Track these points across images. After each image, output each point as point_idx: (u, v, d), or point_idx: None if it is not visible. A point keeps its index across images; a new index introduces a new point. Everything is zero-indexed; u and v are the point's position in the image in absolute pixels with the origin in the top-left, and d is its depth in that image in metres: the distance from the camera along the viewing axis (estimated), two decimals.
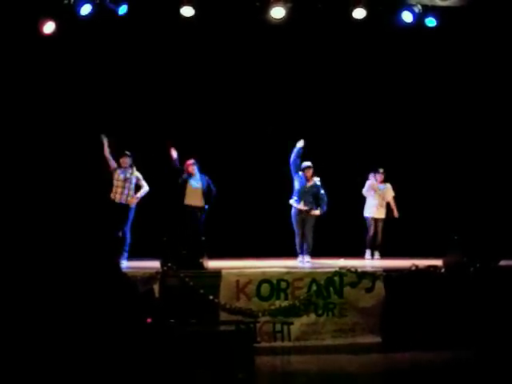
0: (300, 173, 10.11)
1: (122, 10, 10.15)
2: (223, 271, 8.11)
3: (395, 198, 11.22)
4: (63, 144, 11.07)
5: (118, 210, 9.91)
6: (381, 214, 11.11)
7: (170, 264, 7.98)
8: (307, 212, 10.05)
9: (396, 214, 11.13)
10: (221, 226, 11.30)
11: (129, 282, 4.73)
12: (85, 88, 11.26)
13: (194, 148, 10.67)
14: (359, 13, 10.42)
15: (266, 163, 11.93)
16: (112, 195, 9.99)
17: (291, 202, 10.13)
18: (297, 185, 10.12)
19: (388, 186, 11.21)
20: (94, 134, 10.20)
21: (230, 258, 9.88)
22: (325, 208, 10.13)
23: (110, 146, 10.07)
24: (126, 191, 10.00)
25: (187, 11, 10.30)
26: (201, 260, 8.30)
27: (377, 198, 11.09)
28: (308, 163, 10.16)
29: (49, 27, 10.01)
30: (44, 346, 4.42)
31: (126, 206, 9.97)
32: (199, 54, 11.59)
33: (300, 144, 10.08)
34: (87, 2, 9.91)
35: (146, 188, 10.16)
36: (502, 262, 8.57)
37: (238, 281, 8.02)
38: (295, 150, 10.07)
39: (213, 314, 7.78)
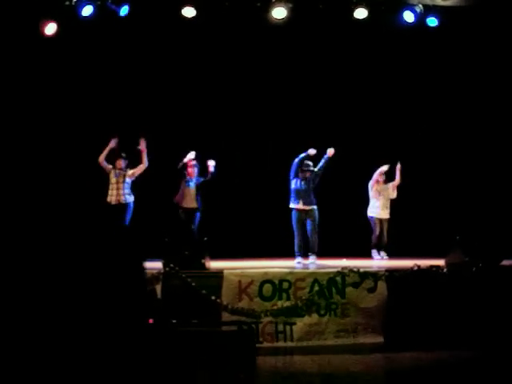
0: (299, 173, 10.07)
1: (124, 10, 10.18)
2: (225, 271, 8.10)
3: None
4: (65, 145, 11.08)
5: (114, 212, 9.93)
6: (385, 214, 11.09)
7: (172, 264, 7.98)
8: (306, 212, 10.03)
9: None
10: (222, 226, 11.32)
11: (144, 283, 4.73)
12: (87, 89, 11.28)
13: (196, 148, 10.66)
14: (361, 13, 10.44)
15: (268, 164, 11.94)
16: (108, 198, 10.05)
17: (291, 205, 10.09)
18: (293, 185, 10.10)
19: (389, 185, 11.18)
20: (95, 135, 10.21)
21: (232, 259, 9.88)
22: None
23: (111, 151, 10.08)
24: (120, 192, 10.01)
25: (188, 12, 10.33)
26: (203, 260, 8.29)
27: (381, 199, 11.08)
28: (309, 165, 10.10)
29: (50, 28, 10.05)
30: (44, 345, 4.42)
31: (122, 207, 9.97)
32: (201, 54, 11.60)
33: (311, 152, 10.03)
34: (89, 3, 9.95)
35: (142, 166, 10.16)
36: (505, 262, 8.56)
37: (240, 281, 8.02)
38: (302, 156, 10.03)
39: (215, 315, 7.78)
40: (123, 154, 10.15)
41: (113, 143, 10.01)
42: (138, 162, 10.21)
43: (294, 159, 10.14)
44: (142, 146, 10.04)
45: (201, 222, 10.50)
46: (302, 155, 10.03)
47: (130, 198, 10.13)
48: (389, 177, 11.20)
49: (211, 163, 10.39)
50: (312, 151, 10.05)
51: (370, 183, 11.11)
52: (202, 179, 10.46)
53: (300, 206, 10.02)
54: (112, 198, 10.02)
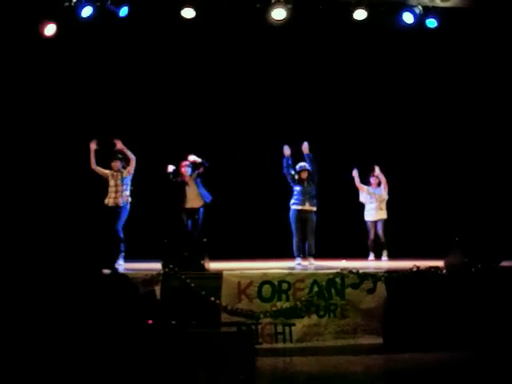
0: (296, 177, 10.07)
1: (123, 11, 10.18)
2: (224, 272, 8.11)
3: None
4: (63, 147, 11.08)
5: (109, 213, 9.93)
6: (380, 215, 11.10)
7: (171, 266, 7.98)
8: (306, 212, 10.01)
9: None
10: (222, 227, 11.32)
11: (129, 284, 4.74)
12: (86, 90, 11.28)
13: (195, 150, 10.67)
14: (360, 14, 10.45)
15: (267, 164, 11.95)
16: (106, 200, 10.04)
17: (293, 206, 10.07)
18: (298, 188, 10.08)
19: (381, 186, 11.16)
20: (94, 135, 10.20)
21: (232, 260, 9.88)
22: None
23: (97, 154, 10.05)
24: (118, 194, 10.01)
25: (188, 13, 10.33)
26: (202, 261, 8.29)
27: (374, 202, 11.11)
28: (302, 165, 10.10)
29: (50, 29, 10.04)
30: (45, 348, 4.42)
31: (117, 208, 9.96)
32: (200, 55, 11.61)
33: (286, 152, 10.03)
34: (88, 4, 9.95)
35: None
36: (504, 263, 8.56)
37: (239, 282, 8.02)
38: (284, 162, 10.03)
39: (214, 316, 7.77)
40: (119, 155, 10.13)
41: (93, 146, 10.01)
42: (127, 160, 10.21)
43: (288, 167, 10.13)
44: (119, 145, 10.04)
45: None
46: (284, 161, 10.03)
47: (128, 200, 10.12)
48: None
49: (190, 158, 10.39)
50: (286, 151, 10.03)
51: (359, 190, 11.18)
52: (196, 172, 10.45)
53: (306, 207, 9.99)
54: (110, 200, 10.02)
